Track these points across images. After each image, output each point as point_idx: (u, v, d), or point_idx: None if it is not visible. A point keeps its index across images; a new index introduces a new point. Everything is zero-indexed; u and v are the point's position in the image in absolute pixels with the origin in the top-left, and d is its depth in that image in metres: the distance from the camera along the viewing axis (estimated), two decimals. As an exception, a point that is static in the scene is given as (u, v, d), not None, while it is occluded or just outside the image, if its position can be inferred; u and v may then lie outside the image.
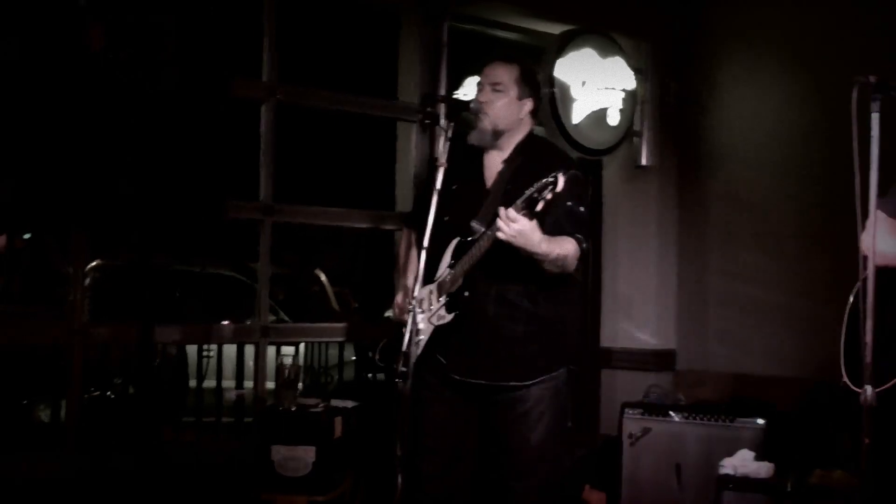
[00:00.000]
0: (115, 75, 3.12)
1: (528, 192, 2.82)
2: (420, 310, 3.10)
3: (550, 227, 3.00)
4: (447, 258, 3.15)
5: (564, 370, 3.22)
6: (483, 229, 3.09)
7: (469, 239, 3.11)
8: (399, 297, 3.32)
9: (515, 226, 2.85)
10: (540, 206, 2.82)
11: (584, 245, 3.11)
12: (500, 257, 3.00)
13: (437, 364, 3.20)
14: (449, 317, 3.11)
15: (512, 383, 3.14)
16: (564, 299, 3.22)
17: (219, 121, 3.32)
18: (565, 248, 3.04)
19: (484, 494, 3.36)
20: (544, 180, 2.79)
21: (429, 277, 3.19)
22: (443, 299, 3.13)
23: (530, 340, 3.14)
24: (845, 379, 2.83)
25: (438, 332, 3.14)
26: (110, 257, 6.70)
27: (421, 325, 3.18)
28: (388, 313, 3.38)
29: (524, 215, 2.84)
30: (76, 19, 3.22)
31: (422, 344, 3.15)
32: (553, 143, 3.30)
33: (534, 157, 3.20)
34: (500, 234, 2.87)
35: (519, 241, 2.89)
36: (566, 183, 2.79)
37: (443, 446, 3.22)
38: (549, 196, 2.79)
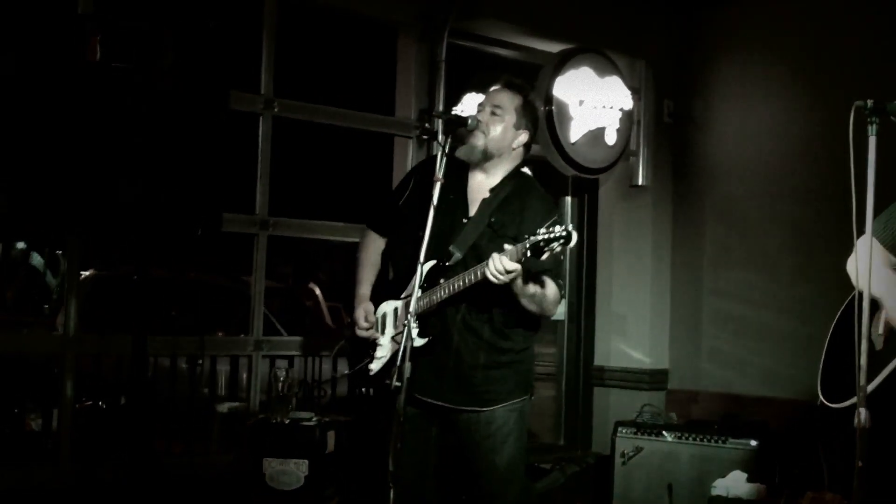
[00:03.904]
0: (112, 85, 3.12)
1: (534, 239, 2.76)
2: (375, 324, 3.11)
3: (534, 266, 2.99)
4: (418, 278, 3.10)
5: (528, 397, 3.22)
6: (460, 256, 3.07)
7: (446, 264, 3.10)
8: (358, 314, 3.25)
9: (511, 275, 2.84)
10: (545, 256, 2.80)
11: (563, 292, 3.12)
12: (472, 287, 2.98)
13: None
14: (420, 341, 3.04)
15: (474, 408, 3.14)
16: (524, 335, 3.19)
17: (216, 133, 3.32)
18: (549, 291, 3.03)
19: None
20: (556, 234, 2.74)
21: (393, 291, 3.18)
22: (413, 321, 3.08)
23: (492, 369, 3.13)
24: (821, 398, 2.85)
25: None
26: (104, 267, 6.69)
27: (382, 342, 3.18)
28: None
29: (520, 259, 2.81)
30: (74, 29, 3.22)
31: (383, 362, 3.14)
32: (536, 183, 3.28)
33: (520, 192, 3.17)
34: (493, 280, 2.85)
35: (510, 283, 2.89)
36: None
37: (407, 464, 3.19)
38: (558, 249, 2.77)
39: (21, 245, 6.66)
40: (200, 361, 4.74)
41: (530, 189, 3.23)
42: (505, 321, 3.11)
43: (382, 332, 3.19)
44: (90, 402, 4.66)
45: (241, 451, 3.82)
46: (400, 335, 3.08)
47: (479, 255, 3.01)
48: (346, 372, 3.02)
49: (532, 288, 2.97)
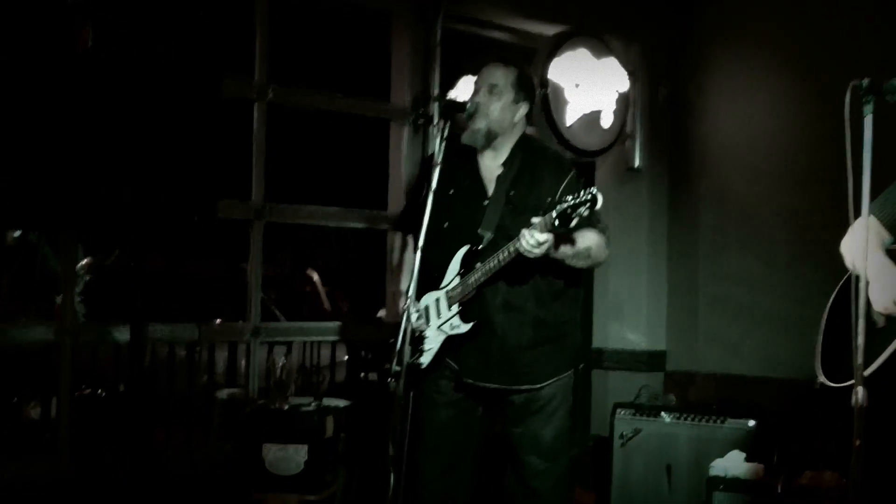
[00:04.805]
0: (104, 73, 3.10)
1: (560, 208, 2.78)
2: (420, 316, 3.11)
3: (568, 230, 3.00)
4: (455, 266, 3.13)
5: (572, 371, 3.25)
6: (491, 236, 3.09)
7: (479, 248, 3.11)
8: (402, 305, 3.27)
9: (545, 246, 2.84)
10: (574, 223, 2.80)
11: (607, 233, 3.11)
12: (508, 265, 3.00)
13: (448, 368, 3.20)
14: (465, 327, 3.10)
15: (524, 387, 3.16)
16: (571, 302, 3.23)
17: (210, 120, 3.31)
18: (587, 239, 3.04)
19: (487, 493, 3.38)
20: (581, 198, 2.75)
21: (433, 284, 3.18)
22: (455, 308, 3.11)
23: (538, 345, 3.16)
24: (821, 378, 2.85)
25: (450, 339, 3.14)
26: (100, 256, 6.68)
27: (429, 334, 3.18)
28: (381, 313, 3.37)
29: (551, 229, 2.82)
30: (65, 17, 3.21)
31: (432, 353, 3.15)
32: (546, 144, 3.30)
33: (531, 161, 3.20)
34: (528, 255, 2.86)
35: (549, 253, 2.90)
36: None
37: (445, 447, 3.23)
38: (586, 213, 2.78)
39: (17, 233, 6.64)
40: (198, 349, 4.74)
41: (540, 153, 3.26)
42: (549, 290, 3.14)
43: (427, 324, 3.20)
44: (89, 391, 4.65)
45: (241, 437, 3.83)
46: (447, 325, 3.10)
47: (507, 233, 3.02)
48: (397, 368, 3.02)
49: (572, 248, 2.98)
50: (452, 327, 3.11)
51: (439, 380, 3.22)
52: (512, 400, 3.19)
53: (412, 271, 3.14)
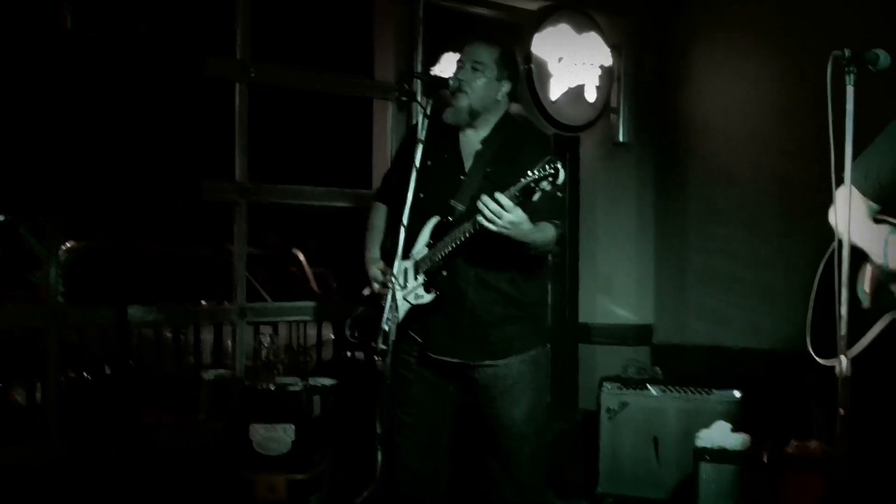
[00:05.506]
0: (83, 56, 3.07)
1: (524, 181, 2.79)
2: (398, 286, 3.11)
3: (531, 212, 3.01)
4: (425, 236, 3.15)
5: (543, 348, 3.25)
6: (463, 209, 3.09)
7: (450, 219, 3.11)
8: (373, 272, 3.31)
9: (509, 216, 2.84)
10: (536, 197, 2.81)
11: (562, 230, 3.14)
12: (482, 240, 3.00)
13: (413, 341, 3.21)
14: (428, 297, 3.11)
15: (487, 362, 3.16)
16: (541, 281, 3.25)
17: (192, 101, 3.28)
18: (547, 234, 3.05)
19: (463, 469, 3.39)
20: (544, 172, 2.76)
21: (404, 253, 3.19)
22: (420, 278, 3.13)
23: (508, 322, 3.16)
24: (810, 349, 2.86)
25: (414, 310, 3.14)
26: (85, 239, 6.65)
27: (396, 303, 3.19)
28: (366, 291, 3.36)
29: (516, 203, 2.83)
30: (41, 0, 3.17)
31: (396, 322, 3.15)
32: (530, 123, 3.29)
33: (512, 139, 3.20)
34: (491, 227, 2.86)
35: (510, 232, 2.89)
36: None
37: (420, 422, 3.24)
38: (548, 188, 2.78)
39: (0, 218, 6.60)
40: (184, 330, 4.73)
41: (522, 132, 3.26)
42: (521, 272, 3.14)
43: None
44: (75, 375, 4.65)
45: (229, 418, 3.84)
46: (412, 294, 3.11)
47: None
48: (384, 346, 3.00)
49: (539, 237, 2.99)
50: (416, 297, 3.12)
51: (406, 356, 3.22)
52: (475, 378, 3.19)
53: (378, 240, 3.15)
